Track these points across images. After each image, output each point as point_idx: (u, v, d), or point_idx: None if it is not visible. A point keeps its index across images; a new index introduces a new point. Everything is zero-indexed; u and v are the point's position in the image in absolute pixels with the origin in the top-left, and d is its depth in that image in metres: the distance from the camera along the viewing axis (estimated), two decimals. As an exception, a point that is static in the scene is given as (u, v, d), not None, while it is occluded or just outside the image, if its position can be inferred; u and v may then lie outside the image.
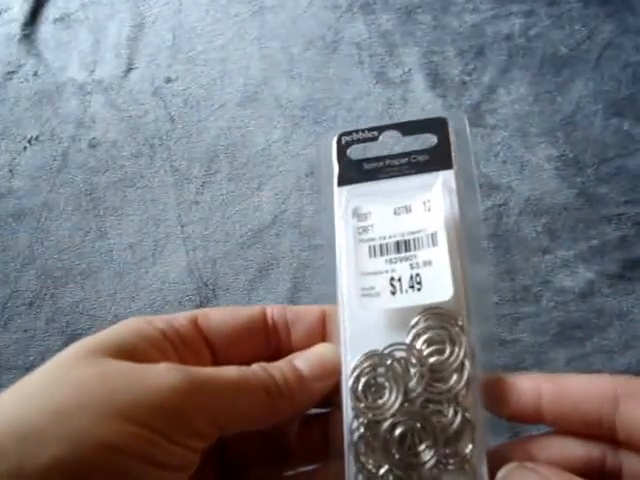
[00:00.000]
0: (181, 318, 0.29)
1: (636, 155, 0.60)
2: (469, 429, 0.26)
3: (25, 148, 0.70)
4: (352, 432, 0.27)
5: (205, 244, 0.61)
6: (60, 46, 0.77)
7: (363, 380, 0.28)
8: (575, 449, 0.26)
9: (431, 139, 0.32)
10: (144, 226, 0.63)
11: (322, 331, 0.30)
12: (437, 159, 0.31)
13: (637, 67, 0.65)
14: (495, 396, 0.27)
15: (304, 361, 0.28)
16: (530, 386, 0.27)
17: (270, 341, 0.30)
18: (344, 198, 0.31)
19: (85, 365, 0.24)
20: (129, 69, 0.73)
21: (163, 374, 0.24)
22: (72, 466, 0.21)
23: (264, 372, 0.27)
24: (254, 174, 0.64)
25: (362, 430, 0.27)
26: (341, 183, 0.32)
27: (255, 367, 0.27)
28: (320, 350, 0.29)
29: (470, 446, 0.26)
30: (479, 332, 0.28)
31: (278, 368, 0.27)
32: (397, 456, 0.26)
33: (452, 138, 0.31)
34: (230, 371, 0.26)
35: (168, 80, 0.72)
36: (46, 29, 0.78)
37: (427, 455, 0.26)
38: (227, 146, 0.67)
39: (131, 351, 0.26)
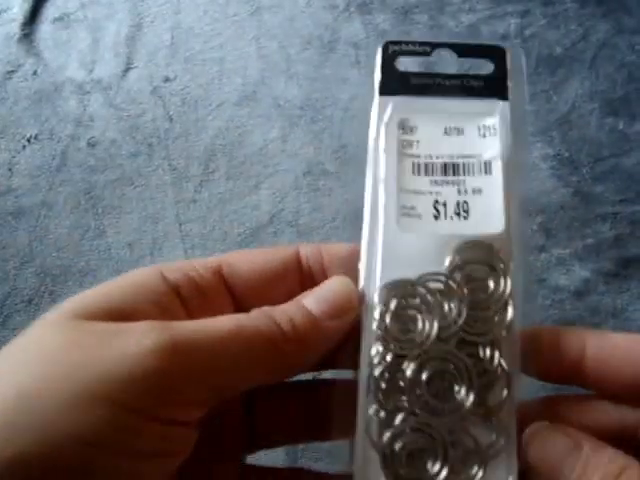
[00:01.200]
0: (201, 267, 0.25)
1: (631, 154, 0.61)
2: (504, 378, 0.23)
3: (24, 147, 0.70)
4: (372, 368, 0.23)
5: (203, 242, 0.62)
6: (59, 46, 0.77)
7: (392, 310, 0.24)
8: (609, 414, 0.24)
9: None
10: (142, 224, 0.63)
11: None
12: (493, 87, 0.28)
13: (632, 67, 0.65)
14: (534, 351, 0.24)
15: (314, 299, 0.24)
16: (574, 341, 0.24)
17: (305, 290, 0.26)
18: (389, 107, 0.28)
19: (55, 333, 0.21)
20: (127, 68, 0.74)
21: (139, 336, 0.20)
22: (34, 463, 0.19)
23: (265, 317, 0.23)
24: (252, 173, 0.65)
25: (384, 366, 0.23)
26: (384, 92, 0.28)
27: (254, 312, 0.23)
28: (332, 284, 0.25)
29: (503, 396, 0.23)
30: (521, 277, 0.25)
31: (283, 311, 0.24)
32: (424, 399, 0.23)
33: (510, 70, 0.29)
34: (222, 321, 0.22)
35: (166, 79, 0.72)
36: (45, 29, 0.78)
37: (459, 401, 0.23)
38: (225, 145, 0.67)
39: (123, 310, 0.22)
